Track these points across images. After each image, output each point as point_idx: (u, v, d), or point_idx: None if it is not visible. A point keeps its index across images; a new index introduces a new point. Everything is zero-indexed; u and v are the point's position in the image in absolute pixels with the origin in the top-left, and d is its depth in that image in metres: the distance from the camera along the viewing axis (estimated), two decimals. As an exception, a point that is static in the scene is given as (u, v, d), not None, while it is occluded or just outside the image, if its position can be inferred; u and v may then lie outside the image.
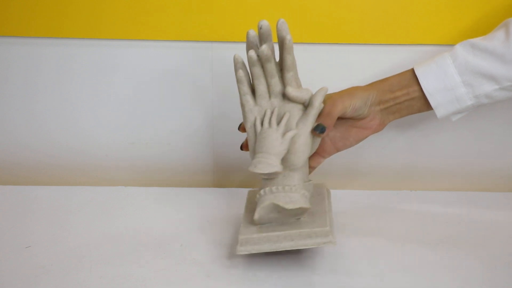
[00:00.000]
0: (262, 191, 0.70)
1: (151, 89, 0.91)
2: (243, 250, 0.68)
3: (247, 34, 0.71)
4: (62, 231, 0.80)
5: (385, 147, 0.94)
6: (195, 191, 0.92)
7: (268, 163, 0.68)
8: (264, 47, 0.67)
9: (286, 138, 0.70)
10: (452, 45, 0.85)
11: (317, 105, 0.71)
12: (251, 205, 0.75)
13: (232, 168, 0.90)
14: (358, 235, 0.79)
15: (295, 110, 0.72)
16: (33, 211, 0.85)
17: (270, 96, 0.72)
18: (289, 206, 0.67)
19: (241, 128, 0.76)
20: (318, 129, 0.72)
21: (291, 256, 0.75)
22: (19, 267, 0.72)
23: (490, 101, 0.74)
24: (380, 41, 0.87)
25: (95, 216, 0.84)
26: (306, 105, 0.72)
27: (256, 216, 0.68)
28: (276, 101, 0.72)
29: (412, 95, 0.75)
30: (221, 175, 0.96)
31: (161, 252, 0.75)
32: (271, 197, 0.69)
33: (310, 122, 0.71)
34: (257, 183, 0.86)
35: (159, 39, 0.88)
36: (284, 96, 0.72)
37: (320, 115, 0.72)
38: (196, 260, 0.73)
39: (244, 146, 0.77)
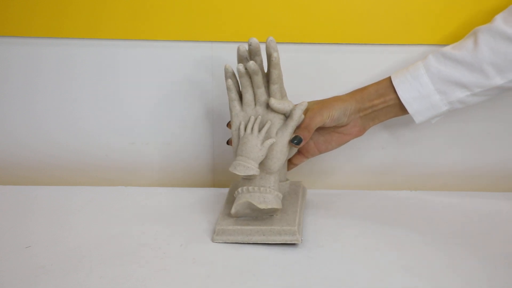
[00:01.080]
0: (240, 189, 0.77)
1: (151, 89, 0.91)
2: (218, 239, 0.76)
3: (237, 49, 0.76)
4: (62, 231, 0.80)
5: (385, 147, 0.94)
6: (195, 191, 0.92)
7: (246, 166, 0.75)
8: (252, 63, 0.74)
9: (265, 145, 0.76)
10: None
11: (296, 118, 0.77)
12: (231, 197, 0.82)
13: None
14: (358, 235, 0.79)
15: (277, 120, 0.78)
16: (33, 211, 0.85)
17: (255, 104, 0.78)
18: (262, 206, 0.75)
19: (229, 125, 0.81)
20: (295, 140, 0.77)
21: (291, 256, 0.75)
22: (19, 267, 0.72)
23: (464, 106, 0.79)
24: (381, 41, 0.87)
25: (95, 216, 0.84)
26: (287, 116, 0.78)
27: (233, 210, 0.77)
28: (261, 109, 0.78)
29: (389, 103, 0.80)
30: (221, 175, 0.96)
31: (161, 252, 0.75)
32: (247, 195, 0.76)
33: (288, 132, 0.78)
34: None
35: (159, 39, 0.88)
36: (268, 106, 0.77)
37: (299, 126, 0.78)
38: (196, 260, 0.73)
39: (229, 142, 0.82)
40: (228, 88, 0.78)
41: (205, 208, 0.86)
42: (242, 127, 0.78)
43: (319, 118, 0.78)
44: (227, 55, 0.88)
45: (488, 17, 0.83)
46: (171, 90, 0.91)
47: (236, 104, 0.78)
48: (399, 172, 0.95)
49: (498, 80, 0.75)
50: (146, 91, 0.92)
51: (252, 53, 0.76)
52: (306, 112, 0.79)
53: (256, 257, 0.75)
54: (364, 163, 0.95)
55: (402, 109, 0.80)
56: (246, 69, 0.76)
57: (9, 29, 0.87)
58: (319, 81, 0.90)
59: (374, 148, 0.94)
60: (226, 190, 0.91)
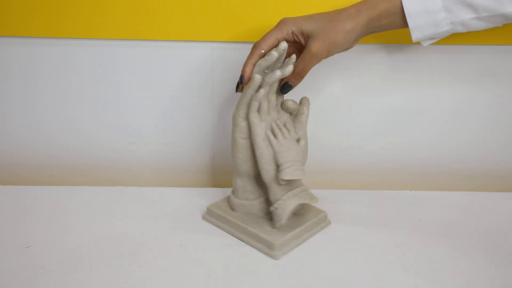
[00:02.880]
0: (281, 199, 0.76)
1: (151, 89, 0.91)
2: (279, 255, 0.75)
3: (271, 54, 0.72)
4: (62, 231, 0.80)
5: (385, 147, 0.94)
6: (195, 191, 0.92)
7: (301, 169, 0.76)
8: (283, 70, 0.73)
9: (302, 146, 0.78)
10: (454, 45, 0.86)
11: (308, 113, 0.79)
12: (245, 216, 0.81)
13: (232, 168, 0.89)
14: (358, 235, 0.79)
15: (288, 119, 0.79)
16: (33, 211, 0.85)
17: (269, 110, 0.77)
18: (314, 200, 0.77)
19: (240, 88, 0.77)
20: (283, 89, 0.76)
21: (291, 256, 0.75)
22: (19, 267, 0.72)
23: (465, 29, 0.76)
24: (381, 41, 0.87)
25: (95, 216, 0.84)
26: (293, 114, 0.79)
27: (284, 221, 0.76)
28: (274, 113, 0.77)
29: (391, 10, 0.75)
30: (221, 175, 0.97)
31: (161, 252, 0.75)
32: (293, 200, 0.75)
33: (305, 128, 0.79)
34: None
35: (159, 39, 0.88)
36: (278, 108, 0.78)
37: (292, 72, 0.74)
38: (196, 260, 0.74)
39: (239, 89, 0.77)
40: (256, 99, 0.74)
41: (205, 208, 0.86)
42: (270, 135, 0.76)
43: (315, 62, 0.74)
44: (227, 55, 0.88)
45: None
46: (171, 90, 0.91)
47: (257, 114, 0.75)
48: (399, 172, 0.95)
49: (510, 8, 0.72)
50: (146, 91, 0.92)
51: (280, 60, 0.74)
52: (308, 39, 0.74)
53: (256, 257, 0.75)
54: (364, 163, 0.95)
55: (402, 20, 0.75)
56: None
57: (9, 29, 0.87)
58: (320, 81, 0.91)
59: (374, 148, 0.94)
60: (226, 190, 0.91)
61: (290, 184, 0.77)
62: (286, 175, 0.74)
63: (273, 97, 0.76)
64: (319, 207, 0.82)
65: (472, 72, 0.89)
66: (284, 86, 0.76)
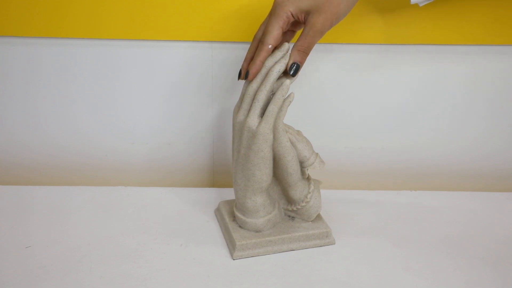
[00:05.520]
0: (312, 187, 0.78)
1: (151, 89, 0.91)
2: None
3: (275, 56, 0.70)
4: (62, 231, 0.80)
5: (385, 147, 0.94)
6: (195, 191, 0.92)
7: (318, 154, 0.77)
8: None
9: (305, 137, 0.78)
10: (455, 45, 0.86)
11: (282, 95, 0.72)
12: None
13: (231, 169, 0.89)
14: (358, 235, 0.79)
15: None
16: (33, 211, 0.85)
17: None
18: (321, 182, 0.80)
19: (241, 77, 0.74)
20: (292, 71, 0.70)
21: (290, 257, 0.75)
22: (19, 267, 0.72)
23: None
24: (381, 41, 0.87)
25: (95, 216, 0.84)
26: None
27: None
28: None
29: None
30: (221, 175, 0.97)
31: (161, 252, 0.75)
32: (317, 192, 0.78)
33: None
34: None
35: (159, 39, 0.88)
36: None
37: (296, 52, 0.70)
38: (196, 260, 0.74)
39: (241, 77, 0.74)
40: (289, 105, 0.71)
41: (205, 208, 0.86)
42: (291, 136, 0.74)
43: (319, 37, 0.69)
44: (227, 55, 0.88)
45: (486, 17, 0.83)
46: (171, 90, 0.91)
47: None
48: (399, 172, 0.95)
49: None
50: (146, 91, 0.91)
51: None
52: (307, 15, 0.69)
53: (256, 257, 0.75)
54: (364, 163, 0.95)
55: None
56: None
57: (9, 29, 0.87)
58: (320, 80, 0.91)
59: (374, 148, 0.94)
60: (226, 190, 0.91)
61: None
62: (320, 164, 0.75)
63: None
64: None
65: (473, 72, 0.89)
66: (293, 67, 0.70)
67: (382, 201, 0.89)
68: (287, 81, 0.69)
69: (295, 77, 0.70)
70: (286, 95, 0.70)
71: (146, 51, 0.89)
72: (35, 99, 0.92)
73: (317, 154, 0.76)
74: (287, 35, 0.74)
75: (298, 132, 0.77)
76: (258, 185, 0.73)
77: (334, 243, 0.77)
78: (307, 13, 0.69)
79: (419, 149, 0.94)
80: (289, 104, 0.70)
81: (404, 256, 0.74)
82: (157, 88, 0.91)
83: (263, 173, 0.72)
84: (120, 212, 0.85)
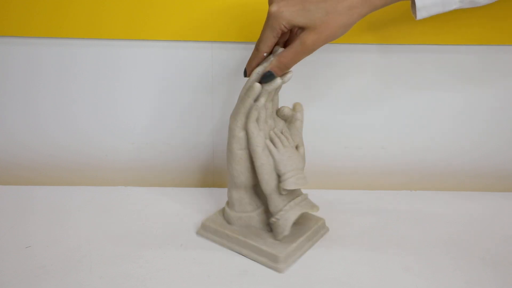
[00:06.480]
0: (287, 206, 0.73)
1: (151, 89, 0.91)
2: (284, 267, 0.73)
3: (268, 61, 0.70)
4: (62, 231, 0.80)
5: (385, 147, 0.94)
6: (195, 191, 0.92)
7: (304, 177, 0.73)
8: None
9: (301, 154, 0.76)
10: (455, 45, 0.86)
11: (302, 119, 0.77)
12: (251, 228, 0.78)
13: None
14: (358, 235, 0.79)
15: (284, 126, 0.77)
16: (33, 211, 0.85)
17: (266, 119, 0.74)
18: (315, 209, 0.75)
19: (247, 74, 0.73)
20: (265, 78, 0.70)
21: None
22: (19, 267, 0.72)
23: (472, 5, 0.71)
24: (382, 41, 0.87)
25: (95, 216, 0.84)
26: (288, 121, 0.77)
27: (286, 233, 0.73)
28: (271, 121, 0.75)
29: None
30: (221, 175, 0.97)
31: (161, 252, 0.75)
32: (297, 209, 0.74)
33: (301, 134, 0.77)
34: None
35: (159, 39, 0.88)
36: (273, 115, 0.76)
37: (277, 61, 0.69)
38: (196, 260, 0.74)
39: (246, 74, 0.73)
40: (257, 108, 0.71)
41: (205, 208, 0.86)
42: (270, 144, 0.73)
43: (307, 54, 0.68)
44: (227, 55, 0.88)
45: (486, 17, 0.83)
46: (171, 90, 0.91)
47: (256, 124, 0.72)
48: (399, 172, 0.95)
49: None
50: (146, 91, 0.91)
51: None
52: (301, 30, 0.68)
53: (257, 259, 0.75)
54: (364, 163, 0.95)
55: None
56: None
57: (9, 29, 0.87)
58: (320, 80, 0.91)
59: (374, 148, 0.94)
60: (226, 190, 0.91)
61: (291, 193, 0.74)
62: (291, 184, 0.71)
63: (269, 105, 0.73)
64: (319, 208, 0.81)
65: (474, 73, 0.89)
66: (266, 75, 0.69)
67: (382, 201, 0.89)
68: (256, 84, 0.69)
69: (287, 78, 0.70)
70: (262, 98, 0.70)
71: (146, 51, 0.89)
72: (35, 99, 0.92)
73: (300, 174, 0.73)
74: (285, 35, 0.74)
75: (297, 146, 0.76)
76: (232, 179, 0.76)
77: (282, 272, 0.72)
78: (302, 28, 0.68)
79: (419, 149, 0.94)
80: (257, 108, 0.70)
81: (404, 256, 0.74)
82: (157, 88, 0.91)
83: (233, 168, 0.75)
84: (120, 212, 0.85)
